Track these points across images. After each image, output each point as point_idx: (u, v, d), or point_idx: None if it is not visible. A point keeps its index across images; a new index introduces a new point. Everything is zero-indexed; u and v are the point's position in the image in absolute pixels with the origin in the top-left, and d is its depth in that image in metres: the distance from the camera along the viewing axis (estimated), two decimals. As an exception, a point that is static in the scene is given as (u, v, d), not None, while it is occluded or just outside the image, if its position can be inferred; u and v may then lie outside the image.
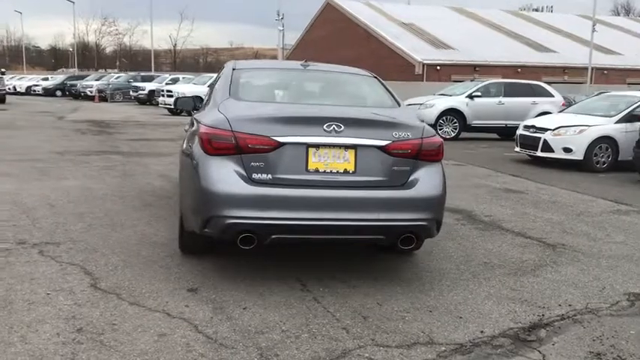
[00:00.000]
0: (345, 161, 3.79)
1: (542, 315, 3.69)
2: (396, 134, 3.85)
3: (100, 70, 63.38)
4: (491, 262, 4.74)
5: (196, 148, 3.84)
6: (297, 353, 3.03)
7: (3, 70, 46.65)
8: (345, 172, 3.79)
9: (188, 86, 26.69)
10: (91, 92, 36.27)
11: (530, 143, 11.15)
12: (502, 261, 4.77)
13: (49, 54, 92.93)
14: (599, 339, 3.39)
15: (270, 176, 3.69)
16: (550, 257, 4.95)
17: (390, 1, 42.54)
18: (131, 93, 34.07)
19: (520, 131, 11.64)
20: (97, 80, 39.15)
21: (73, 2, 51.81)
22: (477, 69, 30.29)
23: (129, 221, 5.50)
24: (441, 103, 15.94)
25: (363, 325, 3.41)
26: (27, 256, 4.36)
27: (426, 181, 3.92)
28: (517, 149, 11.64)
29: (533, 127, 11.26)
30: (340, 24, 37.79)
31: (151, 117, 22.30)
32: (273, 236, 3.69)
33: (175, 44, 69.90)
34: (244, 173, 3.67)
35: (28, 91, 44.87)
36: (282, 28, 31.00)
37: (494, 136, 16.46)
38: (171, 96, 25.00)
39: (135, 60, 72.84)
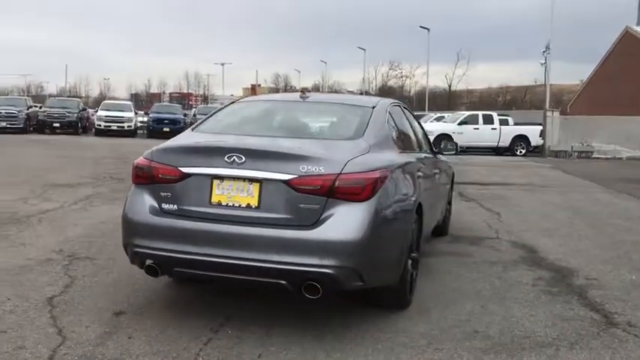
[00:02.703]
0: (248, 195, 3.52)
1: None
2: (304, 168, 3.43)
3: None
4: None
5: None
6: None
7: None
8: (248, 207, 3.52)
9: (436, 124, 26.71)
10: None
11: None
12: None
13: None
14: None
15: (176, 207, 3.63)
16: None
17: None
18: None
19: None
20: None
21: (364, 50, 56.24)
22: None
23: None
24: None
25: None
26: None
27: (339, 222, 3.40)
28: None
29: None
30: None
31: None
32: (176, 269, 3.61)
33: (450, 83, 70.62)
34: (155, 203, 3.68)
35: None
36: (543, 62, 28.88)
37: None
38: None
39: (418, 99, 75.70)
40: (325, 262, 3.34)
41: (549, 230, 7.36)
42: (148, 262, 3.62)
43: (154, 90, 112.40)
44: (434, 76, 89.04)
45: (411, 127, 5.22)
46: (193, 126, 4.40)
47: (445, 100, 66.34)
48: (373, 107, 4.40)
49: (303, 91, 4.69)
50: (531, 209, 9.13)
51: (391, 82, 78.14)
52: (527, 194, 11.22)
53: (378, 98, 4.74)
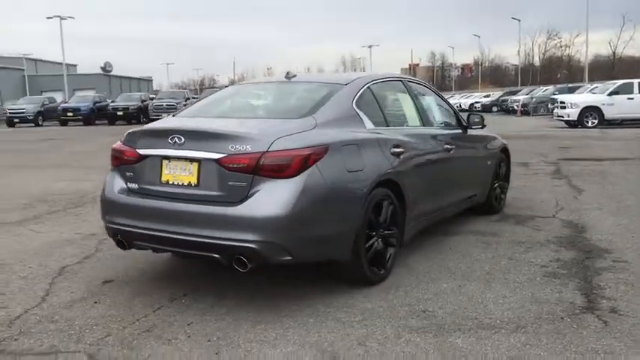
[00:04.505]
0: (189, 174, 3.75)
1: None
2: (233, 147, 3.57)
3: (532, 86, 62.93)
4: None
5: None
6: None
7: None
8: (190, 185, 3.75)
9: (583, 96, 24.63)
10: (517, 106, 37.04)
11: None
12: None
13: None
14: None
15: (137, 186, 3.98)
16: None
17: None
18: (549, 106, 33.21)
19: None
20: (526, 95, 39.47)
21: (519, 20, 53.06)
22: None
23: None
24: None
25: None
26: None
27: (262, 199, 3.50)
28: None
29: None
30: None
31: (538, 129, 21.63)
32: (136, 243, 3.96)
33: (615, 50, 63.39)
34: (123, 183, 4.06)
35: (470, 109, 48.45)
36: None
37: None
38: (564, 107, 23.61)
39: (575, 71, 69.54)
40: (249, 237, 3.47)
41: (627, 208, 6.66)
42: (117, 236, 4.01)
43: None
44: (597, 44, 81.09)
45: (415, 102, 5.06)
46: (177, 111, 4.72)
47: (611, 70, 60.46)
48: (346, 84, 4.38)
49: (288, 73, 4.79)
50: (628, 187, 8.26)
51: (549, 53, 72.81)
52: (643, 170, 10.10)
53: (360, 75, 4.66)
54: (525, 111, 35.62)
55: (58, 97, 43.77)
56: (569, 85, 38.32)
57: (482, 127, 5.84)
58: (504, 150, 6.63)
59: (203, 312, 3.72)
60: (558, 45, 73.09)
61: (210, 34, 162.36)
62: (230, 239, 3.51)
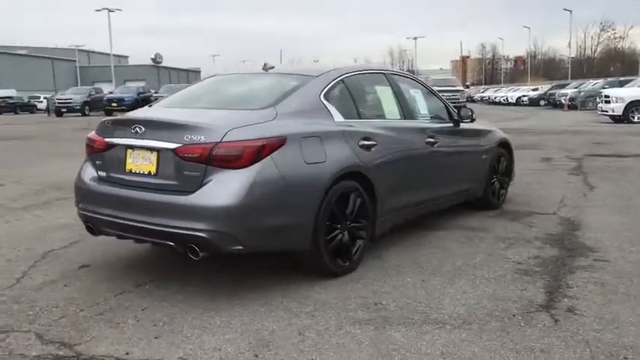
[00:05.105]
0: (149, 163, 3.84)
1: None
2: (188, 137, 3.64)
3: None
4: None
5: None
6: None
7: (467, 83, 50.73)
8: (150, 174, 3.84)
9: (629, 90, 23.74)
10: (564, 100, 36.08)
11: None
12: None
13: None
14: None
15: (105, 174, 4.10)
16: None
17: None
18: (597, 100, 32.19)
19: None
20: (574, 88, 38.35)
21: (570, 11, 51.53)
22: None
23: None
24: None
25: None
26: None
27: (214, 188, 3.56)
28: None
29: None
30: None
31: (579, 124, 21.04)
32: (103, 229, 4.09)
33: None
34: (94, 171, 4.19)
35: (518, 102, 47.47)
36: None
37: None
38: (609, 101, 22.83)
39: (630, 64, 66.77)
40: (200, 226, 3.53)
41: (633, 207, 6.44)
42: (87, 222, 4.15)
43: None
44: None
45: (396, 95, 5.01)
46: (155, 101, 4.83)
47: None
48: (317, 76, 4.39)
49: (265, 64, 4.83)
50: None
51: (602, 45, 70.27)
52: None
53: (335, 67, 4.64)
54: (573, 105, 34.62)
55: (108, 87, 45.08)
56: (621, 78, 36.93)
57: (471, 121, 5.74)
58: (504, 145, 6.49)
59: (162, 298, 3.81)
60: (612, 37, 70.40)
61: (259, 26, 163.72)
62: (183, 228, 3.58)
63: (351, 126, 4.32)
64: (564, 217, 5.99)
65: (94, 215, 4.05)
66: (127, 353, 3.05)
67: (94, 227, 4.11)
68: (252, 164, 3.58)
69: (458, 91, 32.35)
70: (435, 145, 5.16)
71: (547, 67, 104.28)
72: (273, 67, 4.80)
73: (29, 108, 49.65)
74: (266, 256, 4.32)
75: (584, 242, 5.03)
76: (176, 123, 3.78)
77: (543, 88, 47.85)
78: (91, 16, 64.53)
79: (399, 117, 4.97)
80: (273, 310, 3.59)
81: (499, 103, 50.81)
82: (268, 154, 3.64)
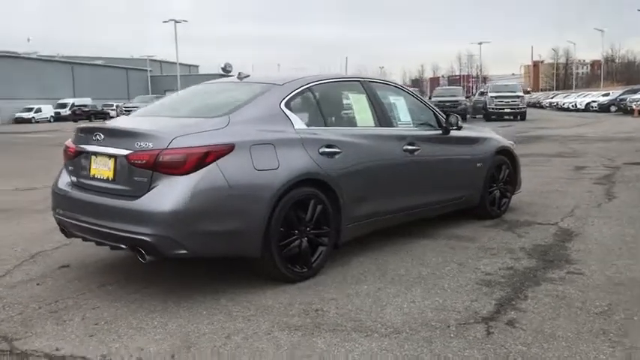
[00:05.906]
0: (108, 169, 4.02)
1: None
2: (138, 144, 3.79)
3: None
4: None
5: None
6: None
7: (528, 89, 49.09)
8: (108, 179, 4.02)
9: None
10: (635, 106, 34.61)
11: None
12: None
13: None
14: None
15: (75, 179, 4.33)
16: None
17: None
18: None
19: None
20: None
21: (646, 12, 49.13)
22: None
23: None
24: None
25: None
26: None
27: (158, 194, 3.69)
28: None
29: None
30: None
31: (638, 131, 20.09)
32: (74, 232, 4.30)
33: None
34: (68, 177, 4.43)
35: (587, 108, 45.71)
36: None
37: None
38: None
39: None
40: (145, 230, 3.67)
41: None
42: (60, 225, 4.38)
43: (427, 74, 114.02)
44: None
45: (372, 103, 4.98)
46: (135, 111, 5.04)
47: None
48: (282, 84, 4.47)
49: (240, 73, 4.95)
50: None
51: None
52: None
53: (303, 76, 4.68)
54: (646, 110, 33.04)
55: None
56: None
57: (458, 129, 5.64)
58: (506, 152, 6.33)
59: (117, 299, 3.97)
60: None
61: (328, 34, 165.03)
62: (131, 232, 3.73)
63: (314, 134, 4.36)
64: (564, 228, 5.79)
65: (64, 218, 4.27)
66: (56, 349, 3.21)
67: (66, 230, 4.33)
68: (195, 170, 3.69)
69: (518, 96, 31.50)
70: (416, 153, 5.11)
71: (628, 71, 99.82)
72: (247, 76, 4.90)
73: (103, 115, 52.11)
74: (228, 261, 4.42)
75: (569, 254, 4.86)
76: (129, 131, 3.96)
77: (615, 93, 45.81)
78: (166, 28, 67.20)
79: (373, 124, 4.95)
80: (214, 314, 3.67)
81: (567, 109, 49.03)
82: (213, 161, 3.74)
